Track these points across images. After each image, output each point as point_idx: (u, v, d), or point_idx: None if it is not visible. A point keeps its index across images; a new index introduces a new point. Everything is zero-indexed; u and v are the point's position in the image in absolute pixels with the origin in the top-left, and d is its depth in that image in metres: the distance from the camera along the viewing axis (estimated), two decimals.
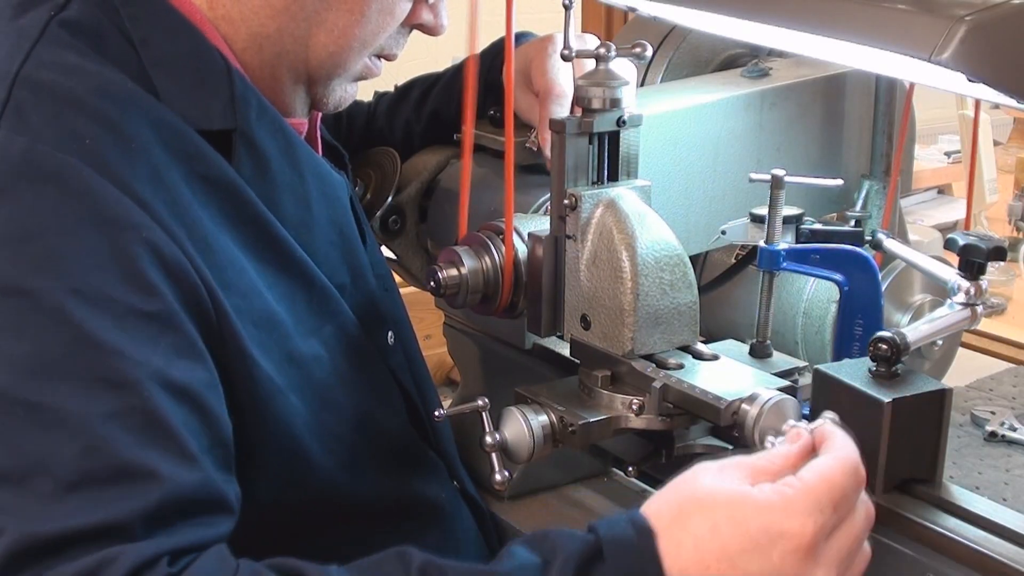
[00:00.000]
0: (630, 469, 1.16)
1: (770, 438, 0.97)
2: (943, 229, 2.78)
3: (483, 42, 1.35)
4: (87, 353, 0.94)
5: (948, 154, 3.98)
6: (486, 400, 1.08)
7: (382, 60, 1.23)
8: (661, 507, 0.93)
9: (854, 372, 1.06)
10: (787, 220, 1.19)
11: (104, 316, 0.95)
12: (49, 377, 0.93)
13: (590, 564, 0.90)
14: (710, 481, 0.92)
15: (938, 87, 1.03)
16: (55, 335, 0.94)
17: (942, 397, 1.04)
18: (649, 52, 1.13)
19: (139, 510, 0.91)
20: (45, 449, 0.91)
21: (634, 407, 1.09)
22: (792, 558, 0.88)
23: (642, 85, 1.48)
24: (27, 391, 0.93)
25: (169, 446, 0.94)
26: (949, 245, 1.14)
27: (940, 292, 1.34)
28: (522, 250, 1.17)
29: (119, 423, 0.93)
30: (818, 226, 1.22)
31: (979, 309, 1.12)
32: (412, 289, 1.53)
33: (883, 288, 1.21)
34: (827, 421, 0.96)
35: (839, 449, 0.93)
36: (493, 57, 1.39)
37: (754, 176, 1.20)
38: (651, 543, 0.90)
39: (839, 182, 1.28)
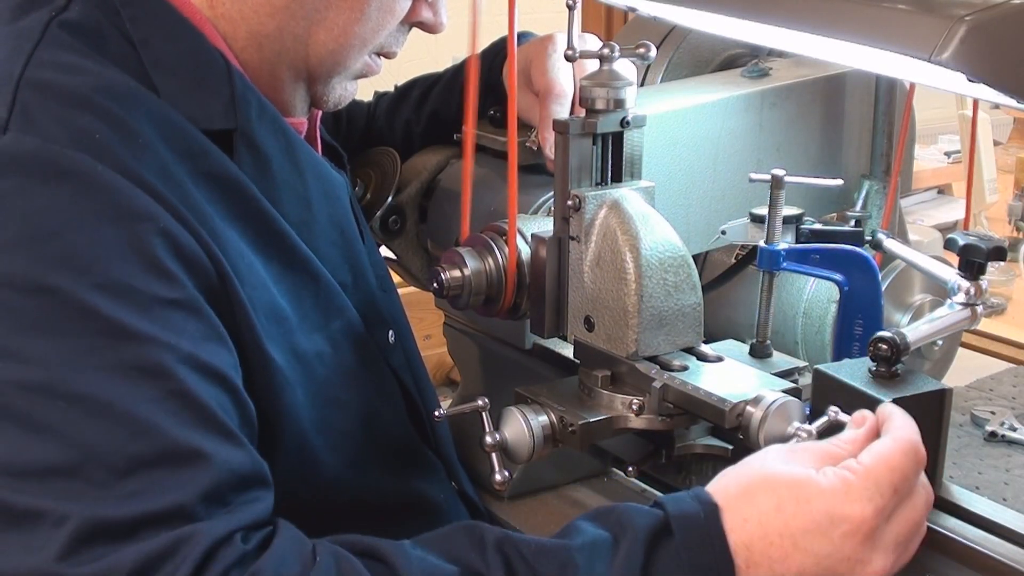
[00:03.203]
0: (630, 469, 1.16)
1: (832, 408, 0.99)
2: (943, 229, 2.78)
3: (483, 42, 1.35)
4: (118, 343, 0.95)
5: (948, 154, 3.98)
6: (486, 400, 1.08)
7: (382, 58, 1.24)
8: (728, 483, 0.96)
9: (854, 372, 1.07)
10: (787, 220, 1.19)
11: (130, 307, 0.96)
12: (84, 370, 0.94)
13: (659, 539, 0.93)
14: (778, 463, 0.95)
15: (938, 87, 1.03)
16: (84, 329, 0.94)
17: (942, 397, 1.05)
18: (653, 53, 1.13)
19: (196, 491, 0.92)
20: (92, 439, 0.92)
21: (634, 407, 1.09)
22: (852, 541, 0.91)
23: (642, 85, 1.48)
24: (65, 384, 0.93)
25: (210, 426, 0.95)
26: (949, 245, 1.14)
27: (940, 292, 1.34)
28: (525, 251, 1.17)
29: (160, 407, 0.94)
30: (818, 226, 1.22)
31: (979, 309, 1.12)
32: (412, 289, 1.53)
33: (883, 288, 1.21)
34: (837, 414, 0.98)
35: (898, 430, 0.95)
36: (493, 57, 1.39)
37: (754, 176, 1.20)
38: (717, 518, 0.93)
39: (839, 182, 1.28)
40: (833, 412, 0.99)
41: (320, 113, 1.28)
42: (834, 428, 0.99)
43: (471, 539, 0.96)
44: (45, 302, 0.95)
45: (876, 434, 0.97)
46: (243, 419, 1.01)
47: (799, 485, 0.93)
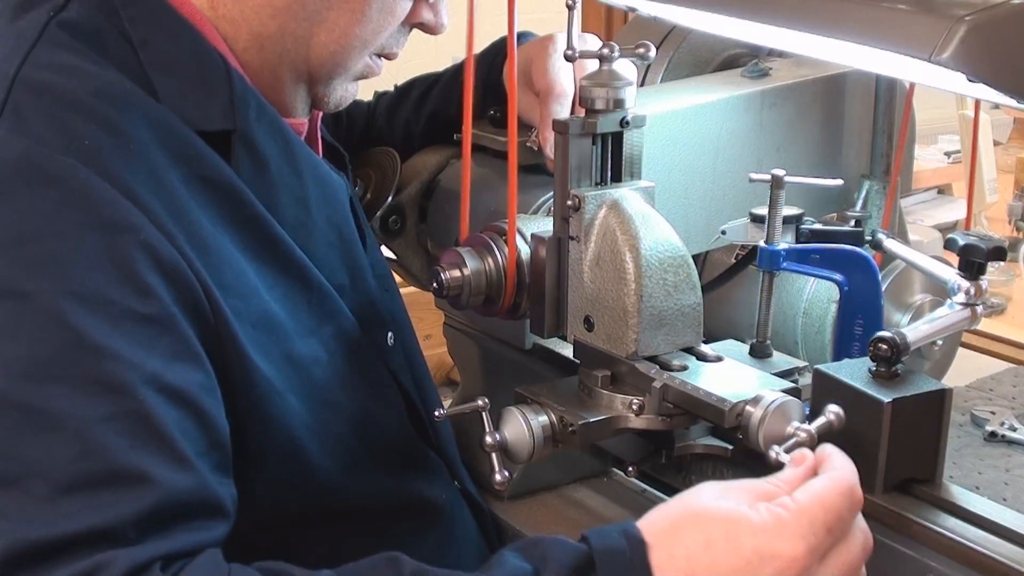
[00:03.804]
0: (630, 469, 1.16)
1: (775, 447, 0.97)
2: (943, 229, 2.79)
3: (485, 43, 1.35)
4: (83, 356, 0.94)
5: (948, 154, 3.99)
6: (486, 400, 1.08)
7: (383, 59, 1.24)
8: (657, 519, 0.94)
9: (854, 372, 1.07)
10: (787, 220, 1.19)
11: (101, 319, 0.95)
12: (44, 380, 0.93)
13: (582, 574, 0.91)
14: (710, 499, 0.93)
15: (938, 87, 1.03)
16: (51, 338, 0.94)
17: (942, 397, 1.05)
18: (653, 53, 1.13)
19: (132, 514, 0.91)
20: (39, 453, 0.91)
21: (634, 407, 1.09)
22: None
23: (642, 85, 1.48)
24: (22, 394, 0.93)
25: (163, 450, 0.94)
26: (949, 245, 1.14)
27: (940, 292, 1.34)
28: (525, 251, 1.17)
29: (113, 427, 0.93)
30: (818, 226, 1.22)
31: (979, 309, 1.12)
32: (412, 289, 1.53)
33: (883, 288, 1.21)
34: (778, 454, 0.96)
35: (835, 470, 0.93)
36: (493, 57, 1.39)
37: (754, 176, 1.20)
38: (643, 554, 0.91)
39: (839, 182, 1.28)
40: (774, 452, 0.97)
41: (320, 114, 1.28)
42: (775, 468, 0.97)
43: (391, 569, 0.94)
44: (17, 306, 0.94)
45: (814, 474, 0.94)
46: (210, 442, 0.99)
47: (730, 521, 0.90)
